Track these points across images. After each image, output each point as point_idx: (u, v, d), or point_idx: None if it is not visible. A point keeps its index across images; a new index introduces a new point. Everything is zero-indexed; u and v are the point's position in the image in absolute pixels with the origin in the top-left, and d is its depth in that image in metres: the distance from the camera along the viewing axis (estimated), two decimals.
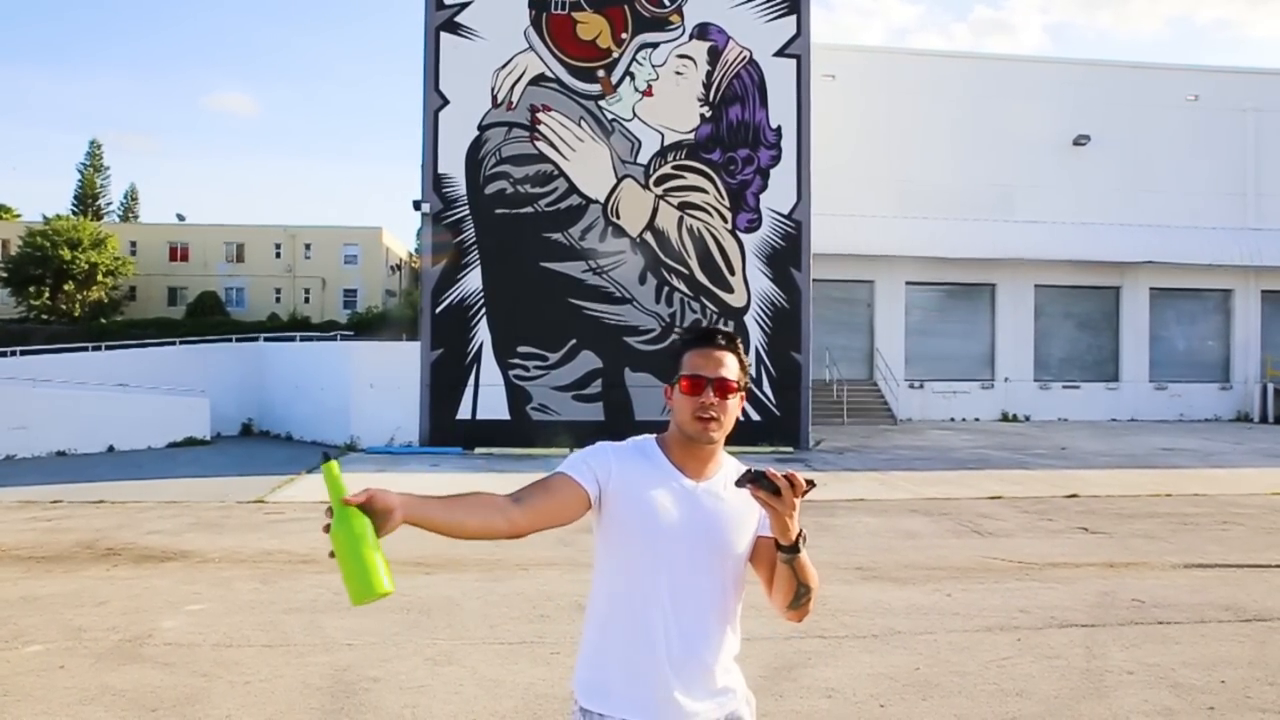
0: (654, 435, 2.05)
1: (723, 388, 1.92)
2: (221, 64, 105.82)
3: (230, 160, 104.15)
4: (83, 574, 7.23)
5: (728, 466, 2.01)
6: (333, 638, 5.56)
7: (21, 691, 4.65)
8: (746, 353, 2.04)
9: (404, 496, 1.66)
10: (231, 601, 6.42)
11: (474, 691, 4.70)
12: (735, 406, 1.96)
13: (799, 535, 1.82)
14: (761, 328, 17.43)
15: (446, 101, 17.16)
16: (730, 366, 1.94)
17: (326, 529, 1.56)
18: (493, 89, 17.16)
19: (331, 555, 1.49)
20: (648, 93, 17.39)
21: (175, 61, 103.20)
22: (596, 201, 17.20)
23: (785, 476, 1.77)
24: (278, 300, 47.40)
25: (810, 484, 1.78)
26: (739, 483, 1.81)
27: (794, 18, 17.79)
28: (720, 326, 2.03)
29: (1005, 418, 24.66)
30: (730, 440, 1.95)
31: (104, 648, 5.34)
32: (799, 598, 1.89)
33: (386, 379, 17.16)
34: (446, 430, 16.84)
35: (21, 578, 7.07)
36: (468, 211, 17.09)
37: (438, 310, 17.03)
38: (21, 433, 15.53)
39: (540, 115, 17.16)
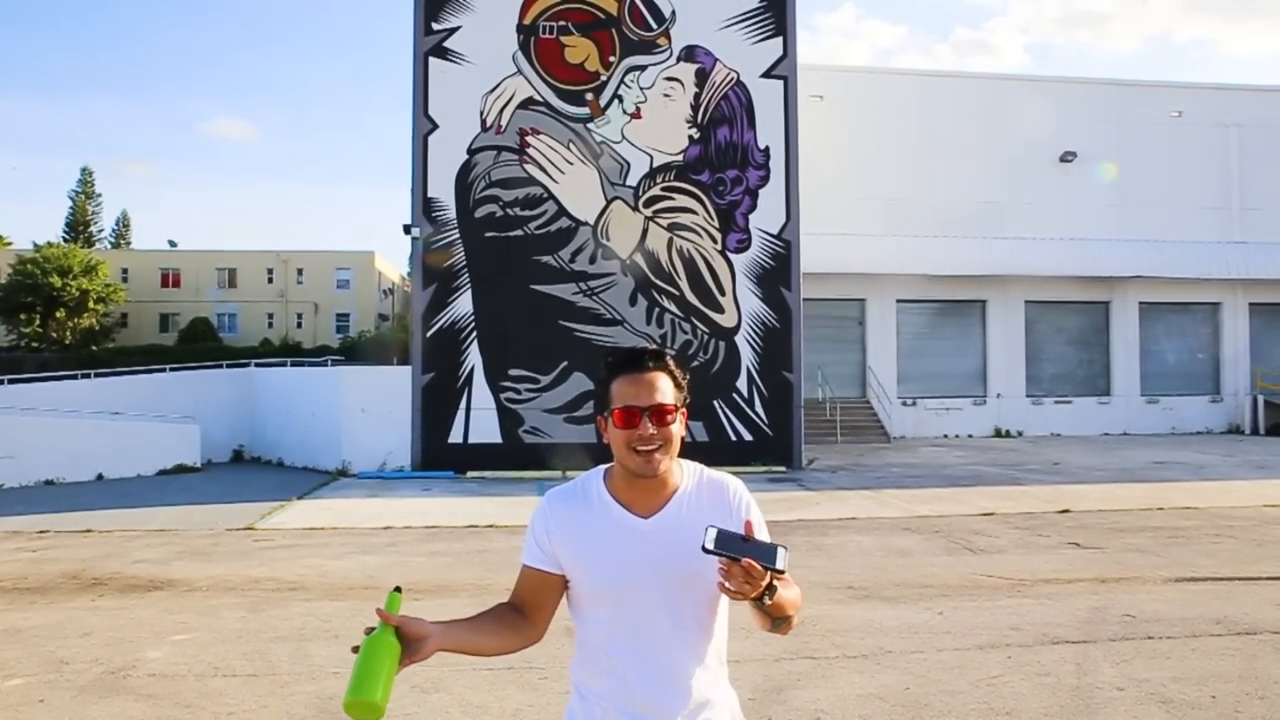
0: (604, 466, 1.88)
1: (660, 414, 1.74)
2: (221, 92, 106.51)
3: (229, 186, 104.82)
4: (67, 605, 7.16)
5: (688, 480, 1.84)
6: (320, 666, 5.52)
7: None
8: (680, 367, 1.84)
9: (437, 626, 1.71)
10: (218, 631, 6.36)
11: (461, 719, 4.66)
12: (678, 430, 1.78)
13: (764, 590, 1.63)
14: (753, 347, 17.44)
15: (436, 126, 17.25)
16: (664, 389, 1.77)
17: (368, 631, 1.65)
18: (481, 113, 17.26)
19: (354, 650, 1.64)
20: (636, 115, 17.51)
21: (175, 90, 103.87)
22: (586, 224, 17.26)
23: (744, 565, 1.57)
24: (270, 325, 47.32)
25: (776, 574, 1.60)
26: (704, 549, 1.61)
27: (780, 39, 17.97)
28: (648, 346, 1.86)
29: (998, 433, 24.69)
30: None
31: (86, 680, 5.28)
32: (777, 625, 1.76)
33: (378, 404, 17.12)
34: (438, 454, 16.80)
35: (4, 610, 7.00)
36: (458, 235, 17.13)
37: (429, 334, 17.03)
38: (9, 462, 15.44)
39: (529, 138, 17.25)
